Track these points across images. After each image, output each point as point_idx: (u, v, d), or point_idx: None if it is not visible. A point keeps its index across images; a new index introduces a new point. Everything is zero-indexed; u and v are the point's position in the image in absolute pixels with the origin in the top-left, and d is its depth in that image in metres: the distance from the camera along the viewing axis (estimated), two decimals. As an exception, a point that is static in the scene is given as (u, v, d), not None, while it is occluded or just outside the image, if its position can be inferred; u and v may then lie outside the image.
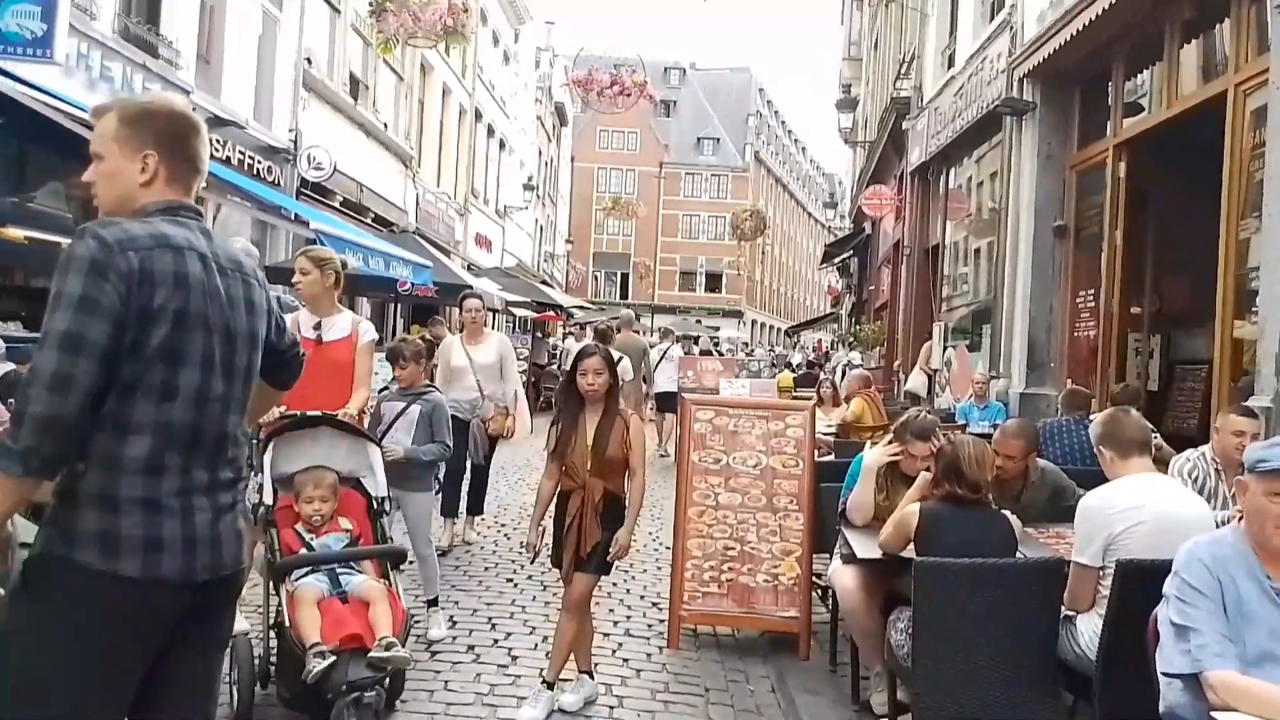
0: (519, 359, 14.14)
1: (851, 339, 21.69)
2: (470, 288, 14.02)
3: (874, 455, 4.10)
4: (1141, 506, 3.12)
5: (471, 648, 4.54)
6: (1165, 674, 2.44)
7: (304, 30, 13.80)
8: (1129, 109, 8.53)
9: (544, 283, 29.54)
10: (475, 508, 6.92)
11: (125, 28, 9.83)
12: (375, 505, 3.83)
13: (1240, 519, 2.50)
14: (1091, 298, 8.94)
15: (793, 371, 19.53)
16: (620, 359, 11.71)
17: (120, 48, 9.55)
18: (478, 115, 24.22)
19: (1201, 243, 6.89)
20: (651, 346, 12.72)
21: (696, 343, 26.87)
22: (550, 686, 3.79)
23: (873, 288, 22.31)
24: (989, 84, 10.69)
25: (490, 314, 19.89)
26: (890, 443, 4.14)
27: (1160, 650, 2.48)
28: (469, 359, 6.42)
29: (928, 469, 3.83)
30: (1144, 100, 8.39)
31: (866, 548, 3.78)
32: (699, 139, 67.21)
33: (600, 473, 3.72)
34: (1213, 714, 2.20)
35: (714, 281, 63.93)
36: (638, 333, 12.43)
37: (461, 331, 6.76)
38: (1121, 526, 3.09)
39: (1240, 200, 6.43)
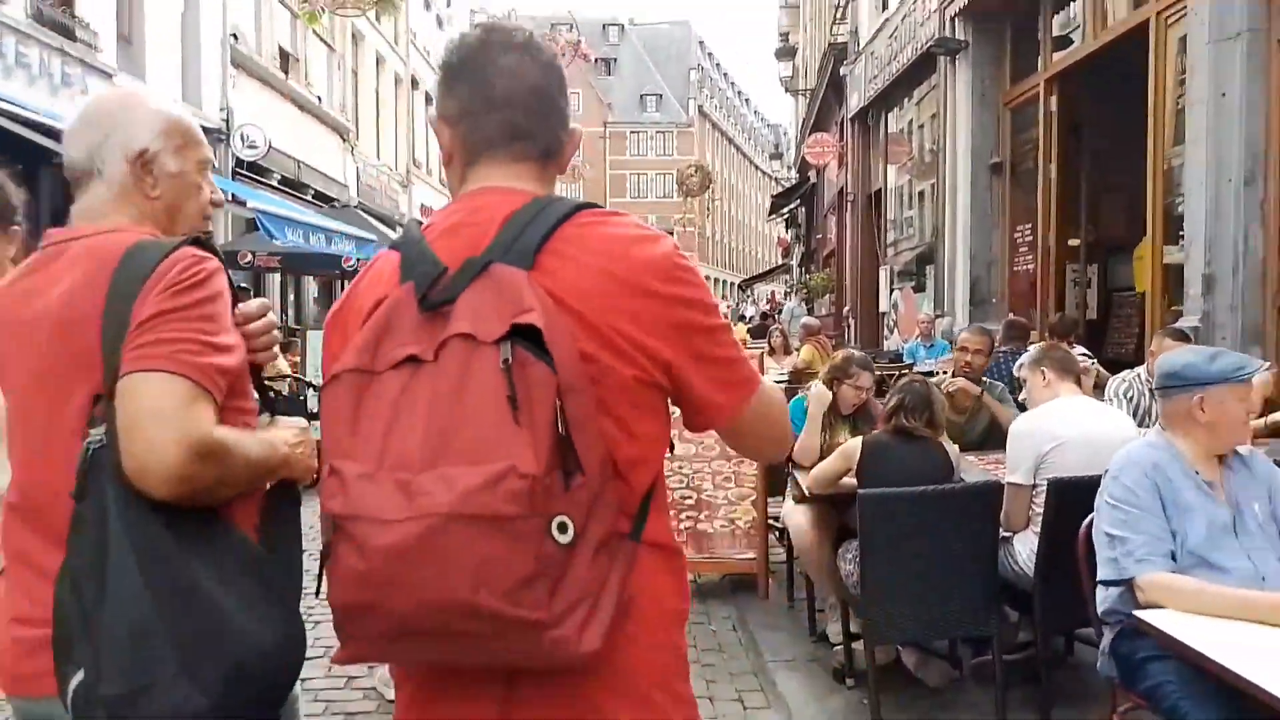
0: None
1: (804, 289, 21.90)
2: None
3: (819, 401, 4.20)
4: (1068, 426, 3.28)
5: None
6: (1101, 581, 2.56)
7: (228, 5, 13.40)
8: (1058, 43, 8.67)
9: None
10: None
11: (39, 11, 9.48)
12: None
13: (1162, 426, 2.62)
14: (1029, 232, 9.13)
15: (746, 324, 19.69)
16: None
17: (35, 32, 9.23)
18: (414, 83, 23.78)
19: (1133, 172, 7.06)
20: None
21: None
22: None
23: (820, 236, 22.49)
24: (922, 25, 10.77)
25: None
26: (833, 380, 4.25)
27: (1097, 559, 2.60)
28: None
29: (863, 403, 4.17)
30: (1074, 34, 8.52)
31: (816, 486, 3.88)
32: (642, 96, 66.70)
33: None
34: (1138, 613, 2.33)
35: (666, 240, 63.76)
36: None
37: None
38: (1050, 445, 3.24)
39: (1166, 128, 6.60)
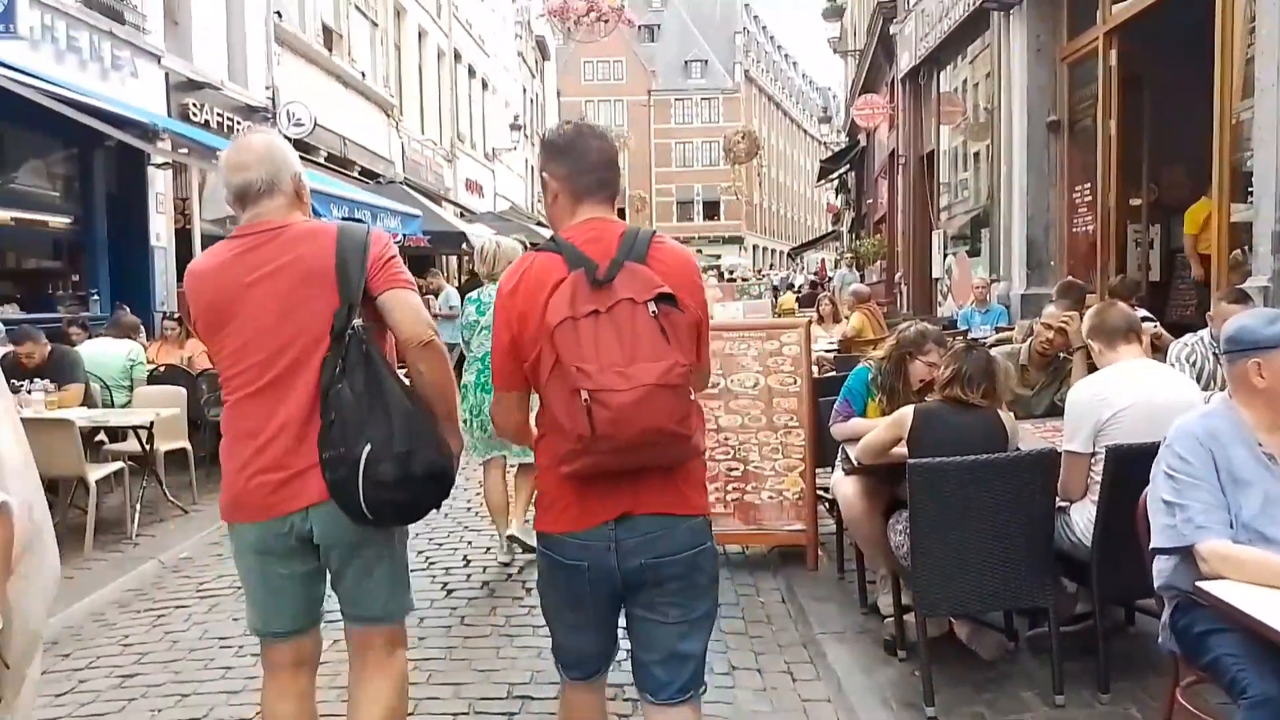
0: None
1: (852, 255, 21.57)
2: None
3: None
4: (1128, 392, 3.15)
5: (486, 584, 4.66)
6: (1157, 550, 2.48)
7: (271, -18, 13.49)
8: (1117, -7, 8.31)
9: (539, 224, 29.34)
10: None
11: (88, -6, 9.62)
12: None
13: (1229, 393, 2.51)
14: (1088, 192, 8.84)
15: (795, 293, 19.48)
16: None
17: (85, 16, 9.37)
18: (457, 56, 23.77)
19: (1197, 128, 6.76)
20: None
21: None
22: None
23: (870, 201, 22.08)
24: (973, -21, 10.41)
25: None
26: (905, 355, 3.96)
27: (1152, 528, 2.51)
28: None
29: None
30: (1134, -17, 8.16)
31: (865, 456, 3.78)
32: (686, 62, 65.91)
33: None
34: (1198, 584, 2.24)
35: (712, 209, 63.34)
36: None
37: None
38: (1109, 412, 3.12)
39: (1234, 81, 6.29)
